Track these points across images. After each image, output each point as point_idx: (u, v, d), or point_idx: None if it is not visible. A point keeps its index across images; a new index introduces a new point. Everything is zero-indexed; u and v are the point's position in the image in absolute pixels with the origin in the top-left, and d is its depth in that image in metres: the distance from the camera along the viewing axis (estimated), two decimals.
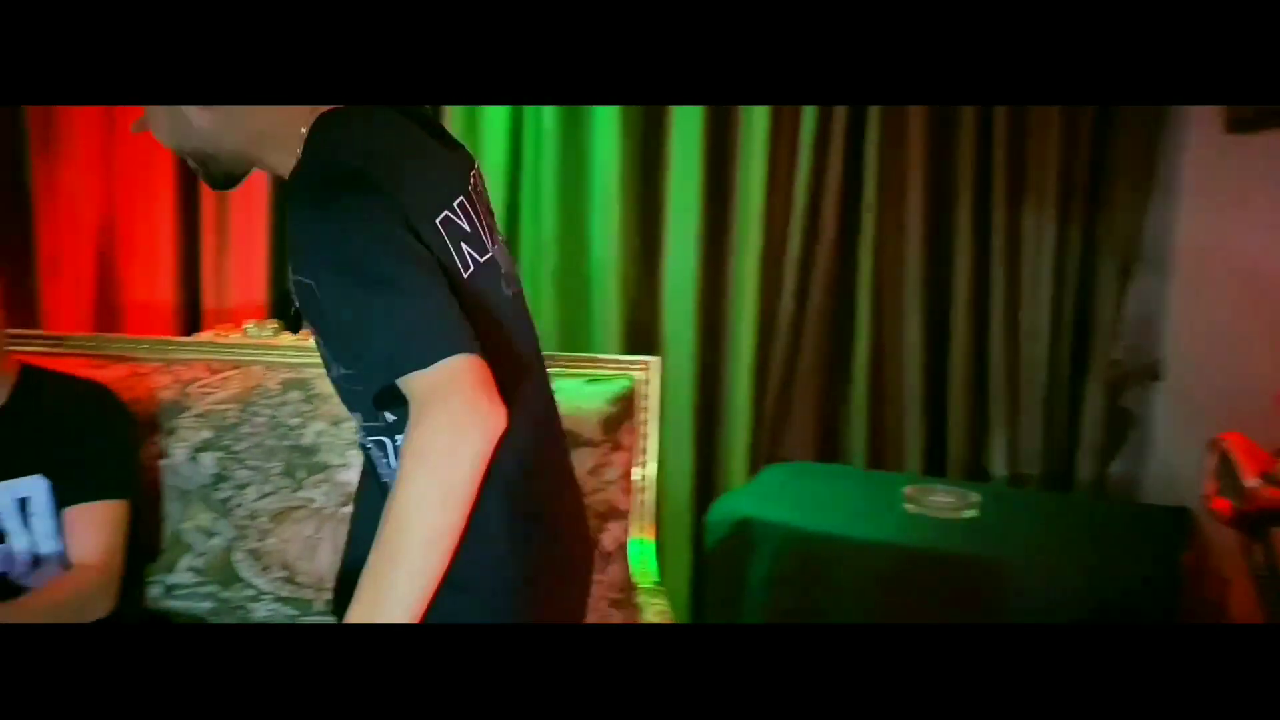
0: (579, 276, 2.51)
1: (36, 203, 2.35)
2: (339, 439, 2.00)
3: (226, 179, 1.27)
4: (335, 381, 1.23)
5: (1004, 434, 2.54)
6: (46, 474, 1.66)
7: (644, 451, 2.12)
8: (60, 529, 1.67)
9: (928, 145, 2.46)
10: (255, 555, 2.01)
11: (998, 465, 2.55)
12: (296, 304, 1.16)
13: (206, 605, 1.98)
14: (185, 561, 1.97)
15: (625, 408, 2.10)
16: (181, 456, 2.00)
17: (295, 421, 2.00)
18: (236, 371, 2.05)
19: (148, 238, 2.43)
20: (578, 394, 2.09)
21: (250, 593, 1.97)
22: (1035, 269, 2.48)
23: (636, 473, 2.11)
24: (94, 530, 1.66)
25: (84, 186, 2.38)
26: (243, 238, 2.43)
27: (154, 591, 1.95)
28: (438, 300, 1.06)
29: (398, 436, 1.13)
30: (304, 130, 1.17)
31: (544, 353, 1.93)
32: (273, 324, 2.12)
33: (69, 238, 2.40)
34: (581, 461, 2.06)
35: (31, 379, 1.71)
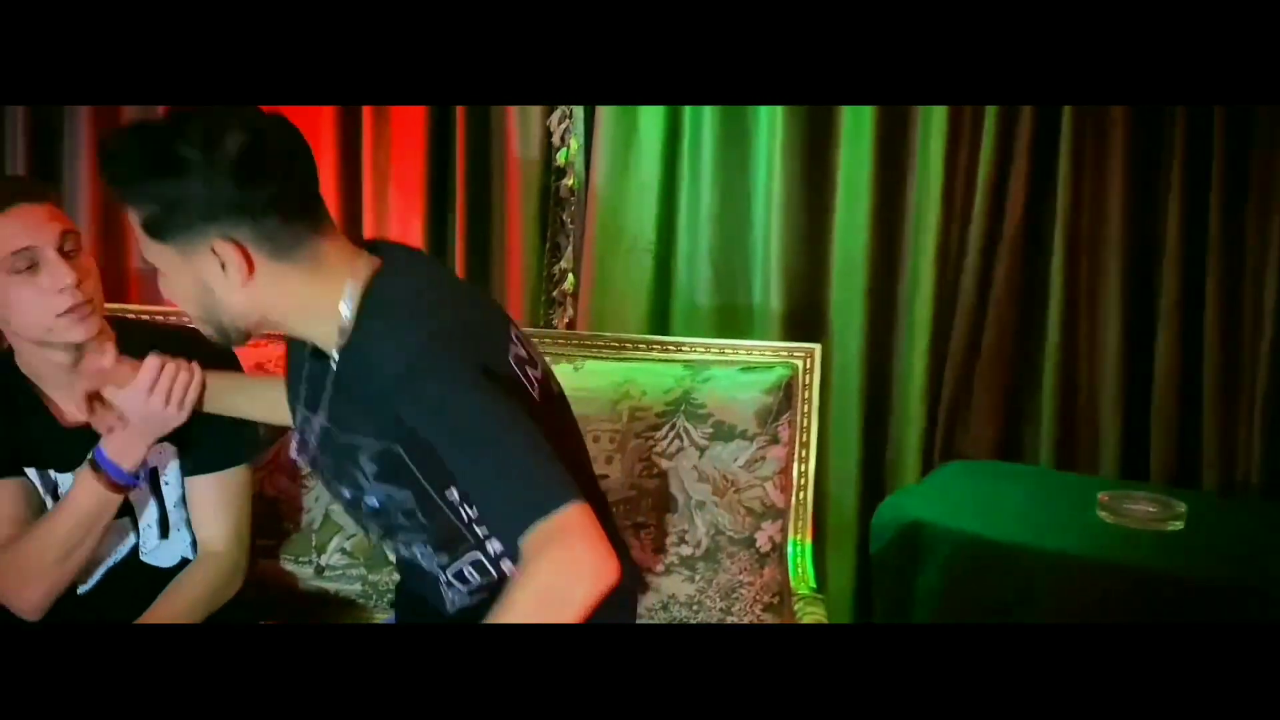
0: (738, 257, 2.37)
1: None
2: None
3: (245, 339, 1.26)
4: (378, 509, 1.29)
5: (1216, 437, 2.24)
6: (171, 439, 1.56)
7: (804, 446, 1.97)
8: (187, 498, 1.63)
9: (1129, 143, 2.21)
10: None
11: (1208, 472, 2.26)
12: (310, 455, 1.30)
13: (356, 588, 1.96)
14: (336, 543, 1.96)
15: (784, 398, 1.96)
16: None
17: None
18: None
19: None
20: (732, 383, 1.96)
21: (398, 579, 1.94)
22: (1259, 267, 2.19)
23: (795, 469, 1.97)
24: (217, 507, 1.61)
25: None
26: (402, 179, 2.39)
27: (305, 571, 1.95)
28: (544, 447, 1.13)
29: (488, 544, 1.29)
30: (344, 302, 1.19)
31: (699, 339, 1.88)
32: None
33: None
34: (735, 455, 1.94)
35: (130, 337, 1.56)
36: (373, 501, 1.28)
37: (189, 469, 1.62)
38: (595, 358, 2.01)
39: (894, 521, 2.14)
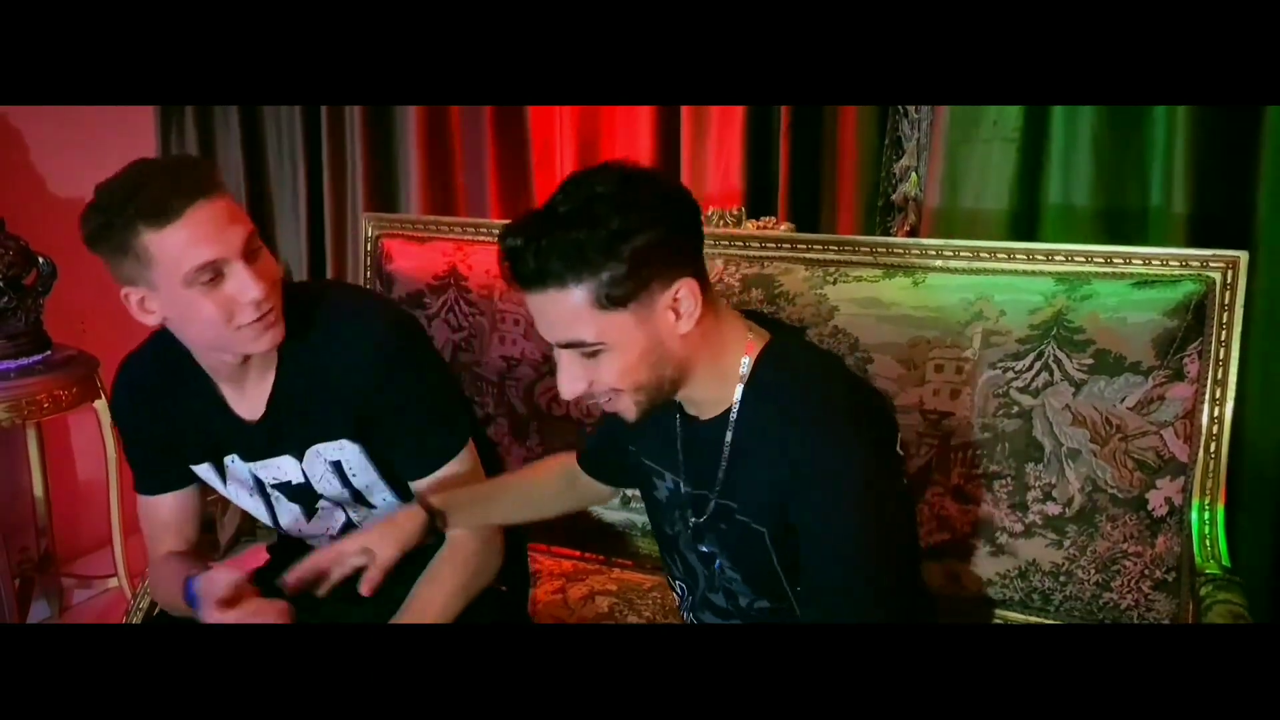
0: (1130, 147, 1.88)
1: None
2: None
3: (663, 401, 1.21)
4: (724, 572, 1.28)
5: None
6: (353, 437, 1.43)
7: (1219, 384, 1.52)
8: (384, 481, 1.49)
9: None
10: None
11: None
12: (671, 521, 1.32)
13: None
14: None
15: (1193, 322, 1.52)
16: None
17: None
18: None
19: (628, 123, 2.26)
20: (1122, 301, 1.55)
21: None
22: None
23: (1206, 413, 1.53)
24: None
25: None
26: (720, 125, 2.16)
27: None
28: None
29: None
30: (746, 359, 1.19)
31: (1077, 246, 1.64)
32: (737, 211, 1.83)
33: (555, 129, 2.32)
34: (1122, 393, 1.53)
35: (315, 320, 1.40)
36: (726, 570, 1.28)
37: (406, 474, 1.47)
38: (941, 269, 1.66)
39: None
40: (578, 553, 1.92)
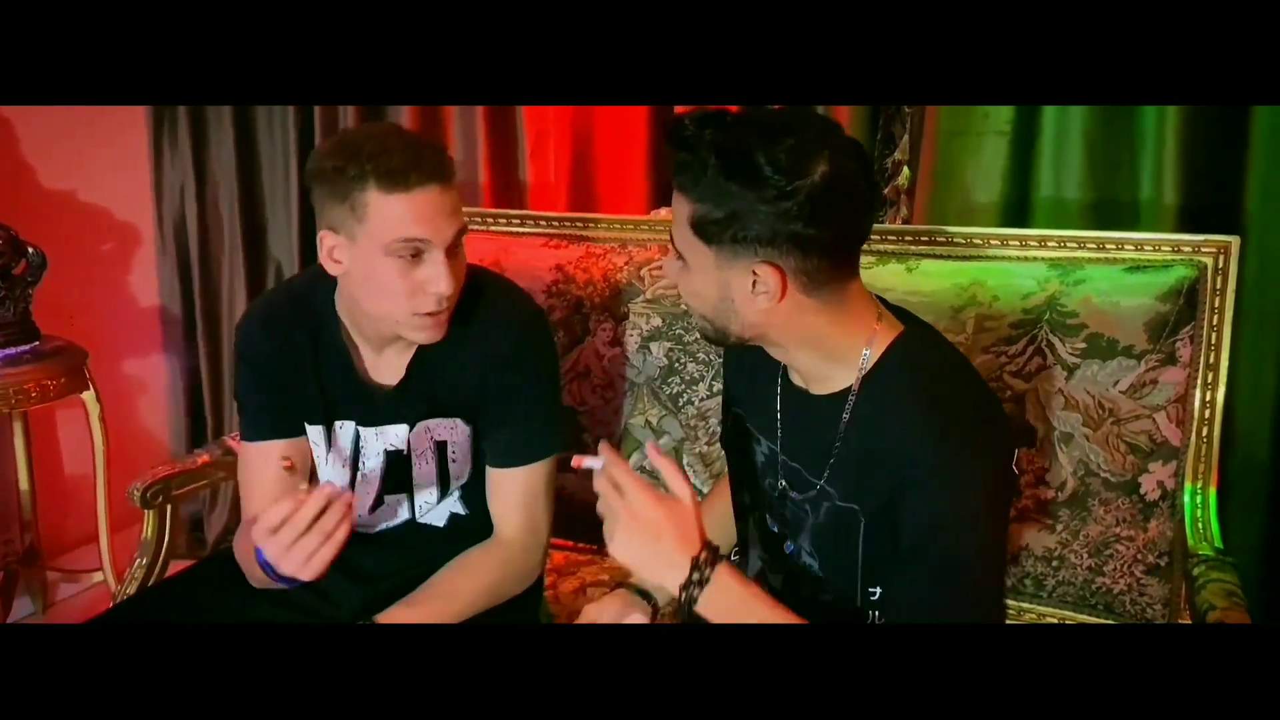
0: (1120, 138, 1.90)
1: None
2: None
3: (737, 345, 1.21)
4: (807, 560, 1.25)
5: None
6: (467, 418, 1.44)
7: (1211, 369, 1.54)
8: (475, 475, 1.48)
9: None
10: (703, 460, 1.78)
11: None
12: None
13: None
14: (635, 459, 1.79)
15: (1185, 307, 1.54)
16: (633, 345, 1.82)
17: None
18: None
19: (623, 116, 2.27)
20: (1115, 286, 1.56)
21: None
22: None
23: (1198, 398, 1.54)
24: (518, 500, 1.45)
25: None
26: None
27: None
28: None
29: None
30: (868, 349, 1.16)
31: (1069, 232, 1.64)
32: None
33: (550, 123, 2.32)
34: (1115, 377, 1.54)
35: (469, 296, 1.40)
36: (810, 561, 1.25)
37: (491, 459, 1.45)
38: (934, 256, 1.67)
39: None
40: (570, 543, 1.91)
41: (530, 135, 2.33)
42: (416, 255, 1.28)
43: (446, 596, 1.37)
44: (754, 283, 1.10)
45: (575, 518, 1.85)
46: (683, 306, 1.74)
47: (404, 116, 2.39)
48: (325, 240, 1.32)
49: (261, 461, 1.45)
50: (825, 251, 1.09)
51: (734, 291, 1.11)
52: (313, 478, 1.48)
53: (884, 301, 1.22)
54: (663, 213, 1.87)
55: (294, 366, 1.44)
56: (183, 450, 2.81)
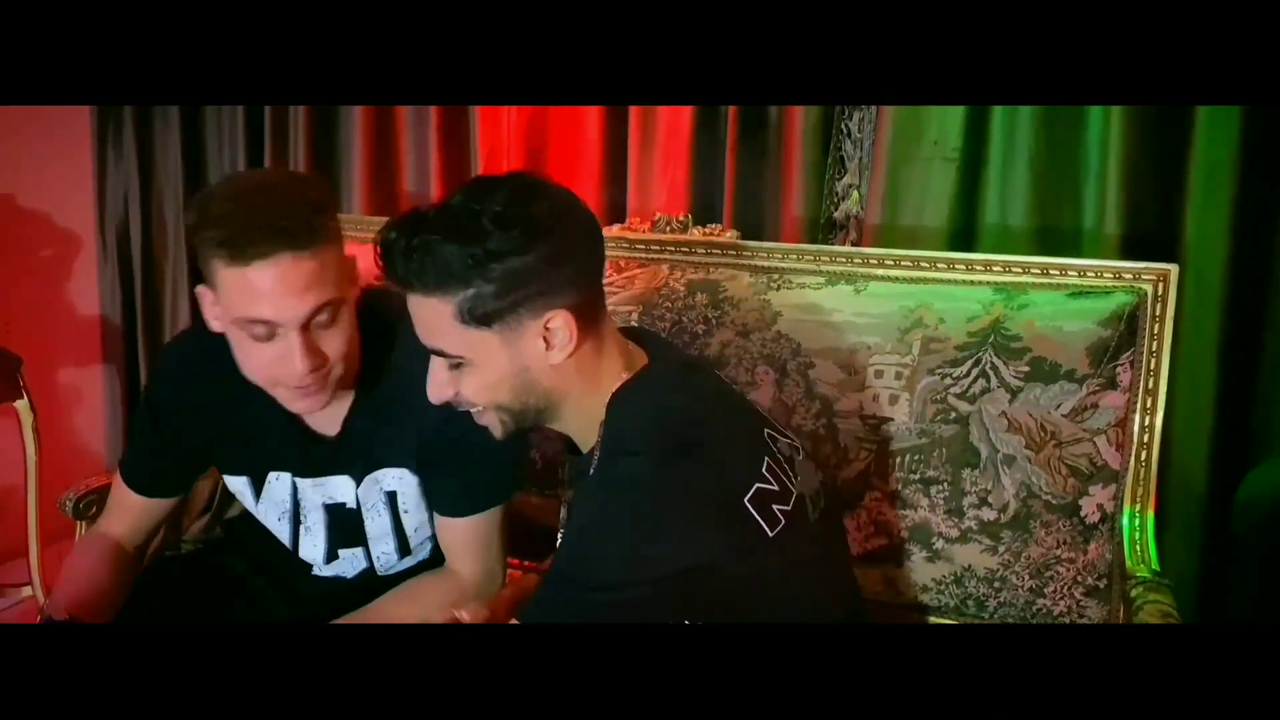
0: (1065, 166, 1.93)
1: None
2: (746, 351, 1.68)
3: (530, 429, 1.19)
4: None
5: None
6: (414, 469, 1.38)
7: (1150, 394, 1.56)
8: (431, 521, 1.44)
9: None
10: None
11: None
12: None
13: None
14: None
15: (1126, 332, 1.56)
16: None
17: (700, 329, 1.72)
18: (643, 270, 1.80)
19: (576, 130, 2.27)
20: (1058, 310, 1.58)
21: None
22: None
23: (1138, 422, 1.56)
24: (469, 546, 1.41)
25: None
26: (668, 135, 2.18)
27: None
28: None
29: None
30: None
31: (1014, 257, 1.68)
32: (684, 218, 1.84)
33: (502, 134, 2.31)
34: (1057, 401, 1.56)
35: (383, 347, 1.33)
36: None
37: (441, 509, 1.40)
38: (882, 278, 1.68)
39: (1265, 496, 1.70)
40: (529, 563, 1.88)
41: (483, 149, 2.32)
42: (271, 338, 1.19)
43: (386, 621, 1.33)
44: (548, 339, 1.07)
45: (533, 534, 1.83)
46: (631, 324, 1.73)
47: (356, 125, 2.37)
48: (204, 296, 1.25)
49: (126, 500, 1.46)
50: (592, 278, 1.10)
51: (529, 360, 1.09)
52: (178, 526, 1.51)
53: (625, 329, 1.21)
54: (615, 229, 1.87)
55: (213, 425, 1.38)
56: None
